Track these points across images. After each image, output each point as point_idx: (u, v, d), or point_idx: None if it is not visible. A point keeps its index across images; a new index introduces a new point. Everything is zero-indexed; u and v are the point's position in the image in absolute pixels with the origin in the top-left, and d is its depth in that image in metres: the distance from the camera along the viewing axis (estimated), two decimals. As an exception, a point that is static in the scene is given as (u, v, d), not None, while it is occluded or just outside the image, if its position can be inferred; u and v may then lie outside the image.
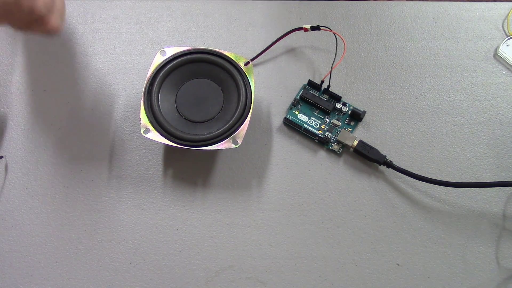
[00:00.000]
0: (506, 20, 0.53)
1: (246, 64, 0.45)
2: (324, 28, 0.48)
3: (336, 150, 0.46)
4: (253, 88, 0.44)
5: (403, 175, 0.45)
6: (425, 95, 0.49)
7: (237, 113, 0.43)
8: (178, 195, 0.45)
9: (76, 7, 0.52)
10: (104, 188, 0.45)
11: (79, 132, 0.47)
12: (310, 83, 0.49)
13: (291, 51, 0.51)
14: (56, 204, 0.44)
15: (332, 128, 0.47)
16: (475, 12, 0.53)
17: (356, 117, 0.48)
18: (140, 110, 0.44)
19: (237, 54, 0.45)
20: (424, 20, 0.53)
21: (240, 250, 0.43)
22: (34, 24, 0.40)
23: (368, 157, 0.45)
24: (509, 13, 0.53)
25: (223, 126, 0.42)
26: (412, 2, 0.54)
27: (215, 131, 0.42)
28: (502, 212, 0.45)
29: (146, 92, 0.43)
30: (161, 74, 0.43)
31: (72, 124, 0.47)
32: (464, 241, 0.44)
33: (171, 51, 0.44)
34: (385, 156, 0.45)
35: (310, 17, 0.53)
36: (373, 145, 0.46)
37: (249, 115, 0.43)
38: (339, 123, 0.47)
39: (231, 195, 0.45)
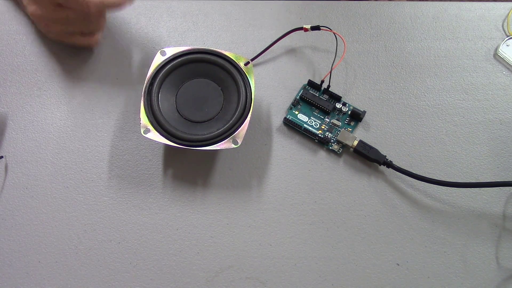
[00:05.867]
0: (506, 20, 0.53)
1: (246, 64, 0.45)
2: (324, 28, 0.48)
3: (336, 150, 0.46)
4: (253, 88, 0.44)
5: (403, 175, 0.45)
6: (425, 95, 0.49)
7: (237, 113, 0.43)
8: (178, 195, 0.45)
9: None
10: (104, 188, 0.45)
11: (79, 132, 0.47)
12: (310, 83, 0.49)
13: (291, 51, 0.51)
14: (56, 204, 0.44)
15: (332, 128, 0.47)
16: (475, 12, 0.53)
17: (356, 117, 0.48)
18: (140, 110, 0.44)
19: (237, 54, 0.45)
20: (424, 20, 0.53)
21: (240, 250, 0.43)
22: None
23: (368, 157, 0.45)
24: (509, 13, 0.53)
25: (223, 126, 0.42)
26: (412, 2, 0.54)
27: (215, 131, 0.42)
28: (502, 212, 0.45)
29: (146, 92, 0.43)
30: (161, 74, 0.43)
31: (72, 124, 0.47)
32: (464, 241, 0.44)
33: (171, 51, 0.44)
34: (385, 156, 0.45)
35: (310, 17, 0.53)
36: (373, 145, 0.46)
37: (249, 115, 0.43)
38: (339, 123, 0.47)
39: (231, 195, 0.45)
